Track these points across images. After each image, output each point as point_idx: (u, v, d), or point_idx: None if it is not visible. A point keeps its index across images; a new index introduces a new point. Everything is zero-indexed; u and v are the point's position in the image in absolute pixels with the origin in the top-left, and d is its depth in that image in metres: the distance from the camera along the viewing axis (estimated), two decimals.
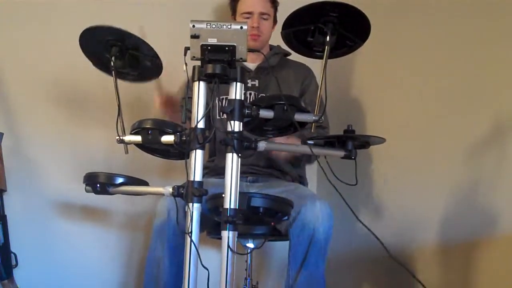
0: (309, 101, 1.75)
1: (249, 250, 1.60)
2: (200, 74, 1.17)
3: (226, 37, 1.13)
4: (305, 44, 1.28)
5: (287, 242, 1.53)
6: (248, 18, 1.78)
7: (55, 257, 1.96)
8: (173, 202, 1.22)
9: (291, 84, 1.83)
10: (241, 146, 1.17)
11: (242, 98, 1.18)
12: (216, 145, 1.81)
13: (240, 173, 1.17)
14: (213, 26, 1.12)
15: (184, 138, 1.18)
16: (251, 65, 1.85)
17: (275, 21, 1.87)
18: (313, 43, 1.25)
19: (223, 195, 1.15)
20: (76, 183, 1.37)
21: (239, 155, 1.16)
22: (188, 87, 1.19)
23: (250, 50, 1.21)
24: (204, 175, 1.30)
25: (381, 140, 1.32)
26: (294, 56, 1.80)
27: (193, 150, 1.16)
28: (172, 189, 1.19)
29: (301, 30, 1.24)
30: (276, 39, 1.80)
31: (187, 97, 1.21)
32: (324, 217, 1.44)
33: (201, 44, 1.13)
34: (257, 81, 1.82)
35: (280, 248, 2.13)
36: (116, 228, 2.06)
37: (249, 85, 1.81)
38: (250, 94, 1.79)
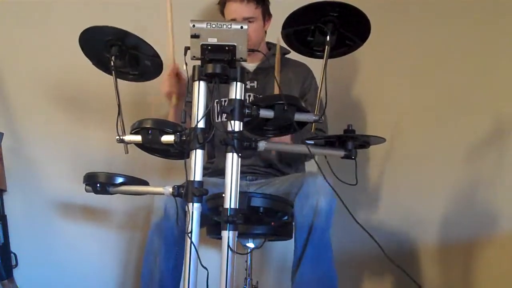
0: (310, 102, 1.74)
1: (249, 250, 1.60)
2: (200, 74, 1.17)
3: (227, 37, 1.13)
4: (305, 44, 1.28)
5: (287, 242, 1.53)
6: None
7: (55, 257, 1.96)
8: (170, 199, 1.21)
9: (290, 84, 1.82)
10: (241, 146, 1.17)
11: (242, 98, 1.18)
12: (215, 146, 1.81)
13: (240, 172, 1.17)
14: (213, 26, 1.12)
15: (184, 138, 1.18)
16: (250, 65, 1.83)
17: (268, 18, 1.84)
18: (313, 43, 1.25)
19: (223, 195, 1.15)
20: (76, 183, 1.37)
21: (239, 155, 1.16)
22: (188, 87, 1.20)
23: (250, 50, 1.21)
24: (204, 175, 1.31)
25: (381, 140, 1.32)
26: (293, 55, 1.80)
27: (193, 150, 1.16)
28: (172, 189, 1.19)
29: (301, 30, 1.24)
30: (275, 36, 1.79)
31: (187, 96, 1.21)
32: (326, 189, 1.43)
33: (201, 43, 1.13)
34: (255, 82, 1.81)
35: (280, 248, 2.13)
36: (116, 228, 2.06)
37: (248, 86, 1.80)
38: (249, 96, 1.79)
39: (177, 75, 1.69)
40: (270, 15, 1.84)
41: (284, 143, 1.62)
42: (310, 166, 1.99)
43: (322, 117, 1.22)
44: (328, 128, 1.84)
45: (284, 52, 1.84)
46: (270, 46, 1.90)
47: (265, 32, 1.86)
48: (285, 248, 1.53)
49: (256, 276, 1.70)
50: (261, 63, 1.84)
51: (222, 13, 1.83)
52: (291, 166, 1.82)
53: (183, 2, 2.13)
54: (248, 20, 1.74)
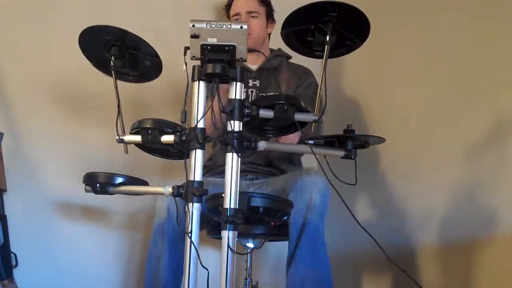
0: (301, 93, 1.77)
1: (249, 250, 1.60)
2: (200, 74, 1.17)
3: (226, 37, 1.13)
4: (305, 44, 1.28)
5: (286, 242, 1.53)
6: (237, 19, 1.82)
7: (55, 257, 1.96)
8: (173, 200, 1.22)
9: (290, 84, 1.83)
10: (241, 146, 1.17)
11: (243, 98, 1.18)
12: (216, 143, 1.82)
13: (240, 171, 1.17)
14: (213, 26, 1.12)
15: (184, 138, 1.18)
16: (253, 66, 1.87)
17: (271, 21, 1.89)
18: (313, 43, 1.26)
19: (223, 195, 1.15)
20: (76, 183, 1.37)
21: (239, 154, 1.16)
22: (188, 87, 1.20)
23: (251, 50, 1.21)
24: (203, 174, 1.31)
25: (381, 140, 1.32)
26: (296, 60, 1.81)
27: (193, 150, 1.16)
28: (172, 189, 1.19)
29: (301, 30, 1.25)
30: (277, 42, 1.81)
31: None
32: (321, 184, 1.45)
33: (201, 43, 1.13)
34: (258, 81, 1.83)
35: (280, 247, 2.13)
36: (116, 228, 2.06)
37: (250, 84, 1.82)
38: (252, 92, 1.81)
39: None
40: (274, 21, 1.90)
41: (284, 144, 1.62)
42: (310, 163, 1.99)
43: (322, 117, 1.22)
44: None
45: (287, 57, 1.87)
46: (273, 50, 1.93)
47: (269, 36, 1.91)
48: (284, 248, 1.52)
49: (256, 276, 1.70)
50: (263, 64, 1.86)
51: (228, 16, 1.89)
52: (293, 163, 1.82)
53: (184, 2, 2.15)
54: (251, 14, 1.80)
